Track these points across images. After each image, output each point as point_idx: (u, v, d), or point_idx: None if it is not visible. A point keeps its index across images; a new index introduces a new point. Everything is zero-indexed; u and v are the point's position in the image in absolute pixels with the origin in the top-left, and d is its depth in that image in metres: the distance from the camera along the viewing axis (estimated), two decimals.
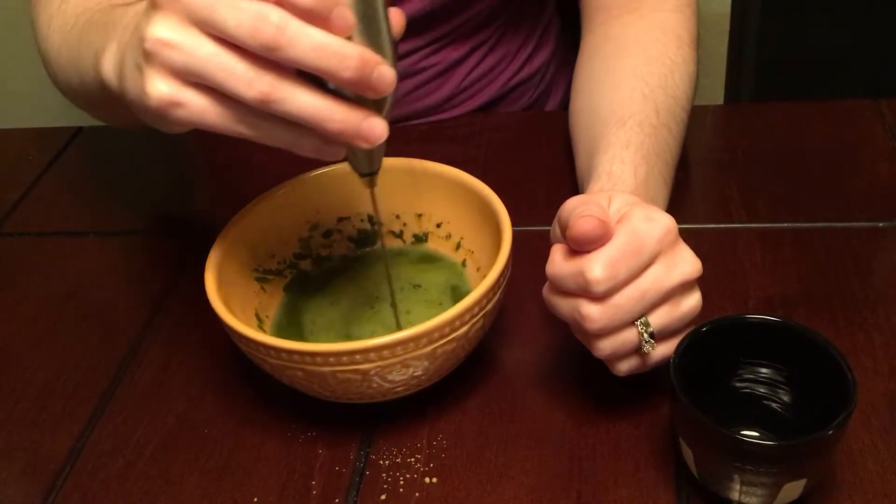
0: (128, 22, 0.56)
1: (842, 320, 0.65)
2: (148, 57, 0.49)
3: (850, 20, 1.45)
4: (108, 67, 0.56)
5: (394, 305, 0.65)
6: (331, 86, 0.49)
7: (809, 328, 0.55)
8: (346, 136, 0.49)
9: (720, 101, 1.49)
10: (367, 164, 0.56)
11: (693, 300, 0.56)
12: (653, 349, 0.55)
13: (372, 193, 0.60)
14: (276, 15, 0.46)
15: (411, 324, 0.55)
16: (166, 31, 0.48)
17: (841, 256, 0.71)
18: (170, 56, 0.48)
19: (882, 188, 0.77)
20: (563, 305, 0.56)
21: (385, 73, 0.48)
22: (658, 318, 0.55)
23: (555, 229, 0.59)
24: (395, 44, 0.51)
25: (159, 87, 0.49)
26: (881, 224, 0.73)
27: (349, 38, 0.48)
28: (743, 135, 0.85)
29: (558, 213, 0.58)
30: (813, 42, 1.48)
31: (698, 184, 0.80)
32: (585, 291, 0.53)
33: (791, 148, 0.82)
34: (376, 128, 0.50)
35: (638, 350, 0.55)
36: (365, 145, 0.50)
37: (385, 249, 0.68)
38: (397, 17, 0.51)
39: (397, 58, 0.52)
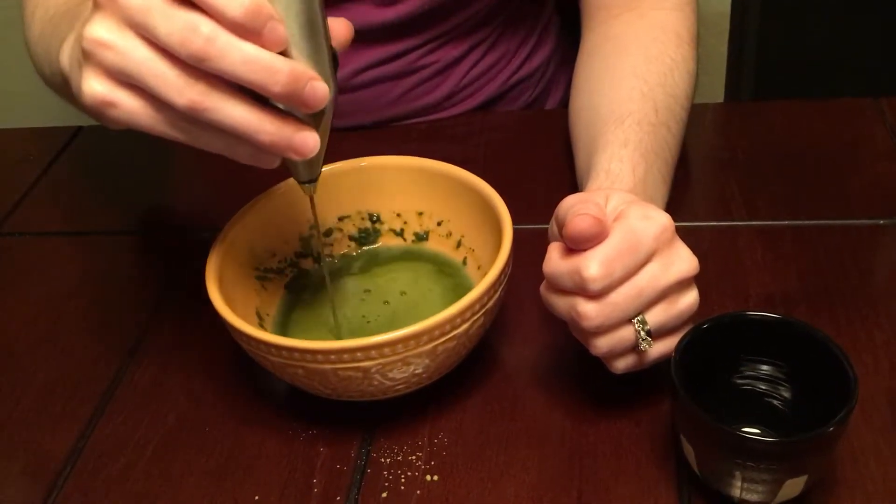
0: (87, 16, 0.56)
1: (842, 318, 0.65)
2: (85, 55, 0.49)
3: (850, 19, 1.45)
4: (64, 59, 0.56)
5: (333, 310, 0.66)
6: (271, 99, 0.49)
7: (810, 325, 0.55)
8: (277, 148, 0.50)
9: (720, 100, 1.50)
10: (305, 172, 0.56)
11: (690, 298, 0.56)
12: (650, 347, 0.55)
13: (311, 201, 0.60)
14: (207, 27, 0.46)
15: (413, 321, 0.55)
16: (103, 31, 0.48)
17: (841, 254, 0.71)
18: (105, 56, 0.48)
19: (882, 186, 0.77)
20: (560, 303, 0.56)
21: (317, 87, 0.48)
22: (655, 316, 0.55)
23: (552, 227, 0.59)
24: (335, 58, 0.51)
25: (94, 87, 0.49)
26: (882, 222, 0.73)
27: (284, 53, 0.48)
28: (743, 133, 0.85)
29: (556, 211, 0.58)
30: (813, 41, 1.48)
31: (699, 182, 0.80)
32: (582, 289, 0.53)
33: (791, 146, 0.82)
34: (309, 141, 0.50)
35: (635, 348, 0.55)
36: (297, 158, 0.50)
37: (325, 262, 0.68)
38: (343, 29, 0.52)
39: (336, 72, 0.52)
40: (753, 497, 0.52)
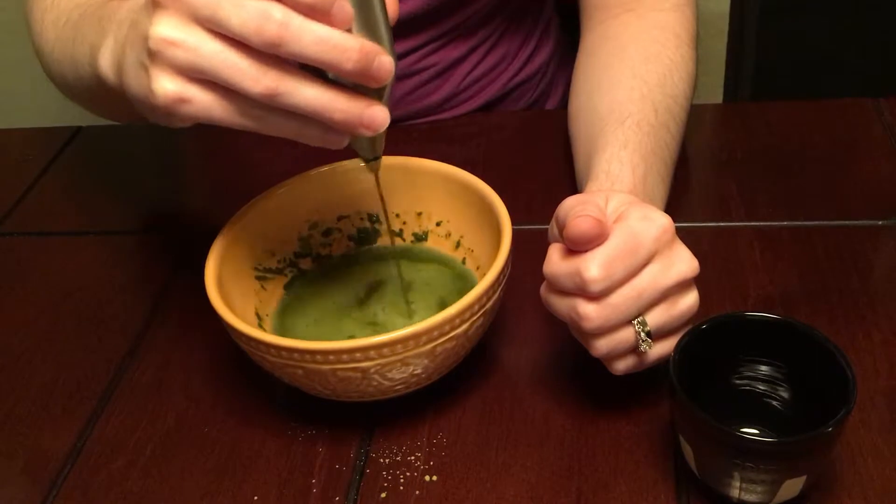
0: (123, 17, 0.56)
1: (841, 318, 0.65)
2: (153, 55, 0.49)
3: (849, 19, 1.45)
4: (106, 63, 0.57)
5: (404, 289, 0.67)
6: (330, 76, 0.50)
7: (808, 325, 0.55)
8: (350, 125, 0.51)
9: (719, 100, 1.50)
10: (370, 149, 0.58)
11: (690, 299, 0.56)
12: (650, 348, 0.55)
13: (376, 177, 0.61)
14: (280, 12, 0.47)
15: (412, 322, 0.55)
16: (170, 29, 0.48)
17: (840, 254, 0.71)
18: (175, 54, 0.49)
19: (881, 186, 0.77)
20: (561, 305, 0.56)
21: (385, 62, 0.49)
22: (655, 318, 0.55)
23: (552, 229, 0.60)
24: (392, 32, 0.52)
25: (165, 86, 0.49)
26: (880, 222, 0.73)
27: (348, 31, 0.49)
28: (742, 134, 0.85)
29: (556, 212, 0.58)
30: (811, 41, 1.48)
31: (698, 183, 0.81)
32: (582, 291, 0.53)
33: (790, 147, 0.83)
34: (378, 115, 0.51)
35: (635, 349, 0.56)
36: (368, 133, 0.51)
37: (391, 228, 0.68)
38: (392, 6, 0.52)
39: (395, 46, 0.53)
40: (752, 497, 0.52)
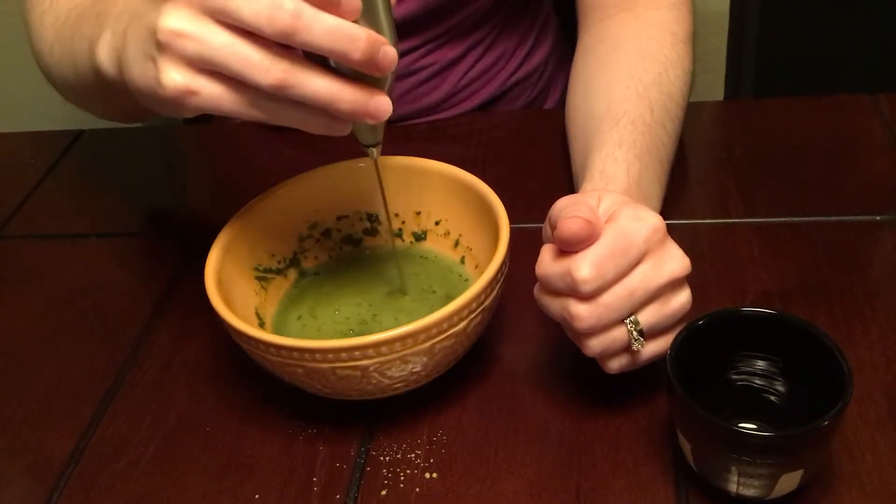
0: (121, 10, 0.57)
1: (839, 314, 0.65)
2: (161, 48, 0.49)
3: (849, 16, 1.45)
4: (104, 56, 0.57)
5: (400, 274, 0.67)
6: (333, 65, 0.51)
7: (804, 320, 0.55)
8: (356, 114, 0.51)
9: (720, 98, 1.50)
10: (371, 136, 0.59)
11: (682, 298, 0.56)
12: (642, 347, 0.55)
13: (376, 164, 0.62)
14: (291, 2, 0.47)
15: (411, 320, 0.56)
16: (179, 21, 0.49)
17: (839, 250, 0.71)
18: (184, 46, 0.49)
19: (879, 182, 0.77)
20: (553, 305, 0.56)
21: (389, 51, 0.50)
22: (647, 317, 0.55)
23: (546, 229, 0.60)
24: (394, 23, 0.53)
25: (174, 77, 0.50)
26: (878, 218, 0.73)
27: (356, 21, 0.50)
28: (740, 130, 0.85)
29: (549, 213, 0.58)
30: (812, 38, 1.48)
31: (697, 179, 0.81)
32: (574, 291, 0.54)
33: (788, 143, 0.83)
34: (383, 104, 0.52)
35: (628, 348, 0.56)
36: (372, 122, 0.52)
37: (389, 218, 0.68)
38: None
39: (396, 37, 0.54)
40: (750, 492, 0.52)
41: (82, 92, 0.72)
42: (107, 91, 0.60)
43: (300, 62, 0.49)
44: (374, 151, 0.60)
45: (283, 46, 0.49)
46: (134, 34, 0.53)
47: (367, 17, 0.51)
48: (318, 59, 0.50)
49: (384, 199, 0.65)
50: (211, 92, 0.50)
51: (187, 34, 0.49)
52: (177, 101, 0.51)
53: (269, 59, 0.48)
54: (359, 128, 0.57)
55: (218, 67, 0.49)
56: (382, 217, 0.71)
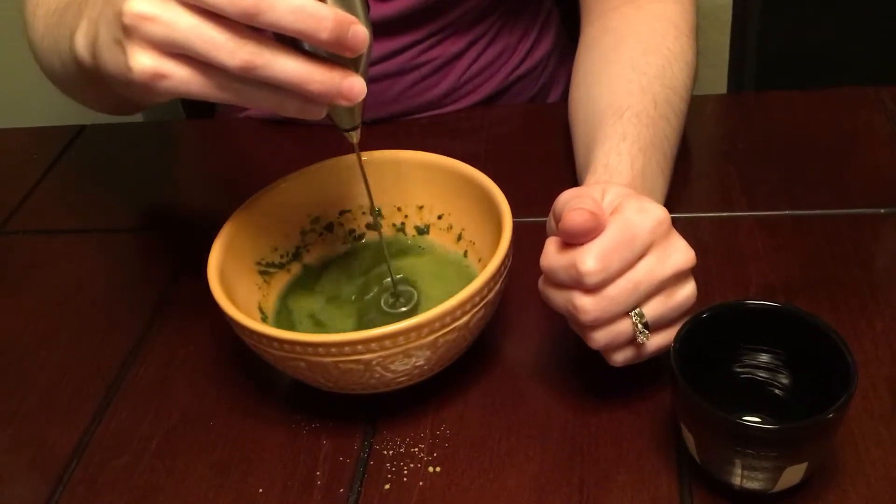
0: None
1: (843, 306, 0.65)
2: (128, 31, 0.49)
3: (851, 10, 1.45)
4: (80, 43, 0.57)
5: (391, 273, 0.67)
6: (307, 47, 0.50)
7: (808, 312, 0.55)
8: (327, 96, 0.51)
9: (723, 92, 1.49)
10: (349, 119, 0.58)
11: (687, 290, 0.56)
12: (647, 339, 0.55)
13: (356, 149, 0.61)
14: None
15: (412, 311, 0.56)
16: (144, 5, 0.49)
17: (842, 243, 0.71)
18: (150, 29, 0.49)
19: (883, 175, 0.77)
20: (558, 298, 0.56)
21: (359, 31, 0.50)
22: (652, 309, 0.55)
23: (550, 222, 0.60)
24: (367, 4, 0.53)
25: (142, 61, 0.50)
26: (882, 210, 0.73)
27: (323, 1, 0.49)
28: (743, 124, 0.85)
29: (553, 205, 0.58)
30: (814, 32, 1.48)
31: (700, 173, 0.81)
32: (578, 283, 0.54)
33: (791, 136, 0.83)
34: (356, 86, 0.51)
35: (633, 341, 0.56)
36: (346, 103, 0.51)
37: (373, 206, 0.68)
38: None
39: (370, 17, 0.53)
40: (754, 485, 0.52)
41: (70, 83, 0.72)
42: (90, 82, 0.59)
43: (268, 43, 0.49)
44: (354, 135, 0.59)
45: (254, 29, 0.49)
46: (104, 20, 0.53)
47: None
48: (291, 42, 0.50)
49: (367, 184, 0.64)
50: (180, 75, 0.50)
51: (152, 17, 0.48)
52: (146, 85, 0.50)
53: (235, 41, 0.48)
54: (335, 111, 0.57)
55: (185, 50, 0.49)
56: (366, 205, 0.71)
